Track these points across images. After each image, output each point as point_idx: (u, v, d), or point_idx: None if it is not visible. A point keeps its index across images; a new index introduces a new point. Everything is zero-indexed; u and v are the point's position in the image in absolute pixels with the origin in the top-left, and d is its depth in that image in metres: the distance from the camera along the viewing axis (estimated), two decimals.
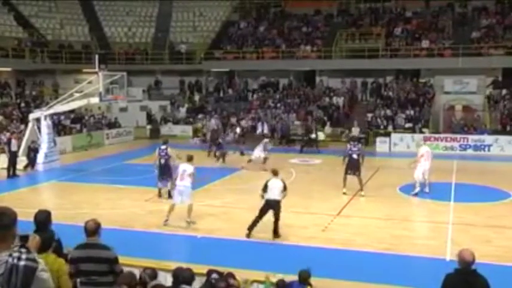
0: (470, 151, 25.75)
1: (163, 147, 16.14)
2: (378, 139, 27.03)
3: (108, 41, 37.68)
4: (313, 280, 7.28)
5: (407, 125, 28.74)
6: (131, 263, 7.90)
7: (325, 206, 15.05)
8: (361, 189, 16.53)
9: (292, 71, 34.83)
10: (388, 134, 27.48)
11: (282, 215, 11.98)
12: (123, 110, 33.10)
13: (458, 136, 26.56)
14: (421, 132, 27.40)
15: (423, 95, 30.89)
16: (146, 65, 36.11)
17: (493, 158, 24.69)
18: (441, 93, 31.06)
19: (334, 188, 17.37)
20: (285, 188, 11.98)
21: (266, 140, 21.88)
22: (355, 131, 26.44)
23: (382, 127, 28.84)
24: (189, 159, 13.40)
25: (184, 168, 13.05)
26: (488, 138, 25.98)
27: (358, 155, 16.68)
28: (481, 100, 30.12)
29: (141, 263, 8.21)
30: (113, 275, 5.97)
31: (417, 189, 16.36)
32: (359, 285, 9.33)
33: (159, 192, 16.09)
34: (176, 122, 33.45)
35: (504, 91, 29.95)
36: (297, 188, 17.73)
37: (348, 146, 17.35)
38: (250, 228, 12.00)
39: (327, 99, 32.25)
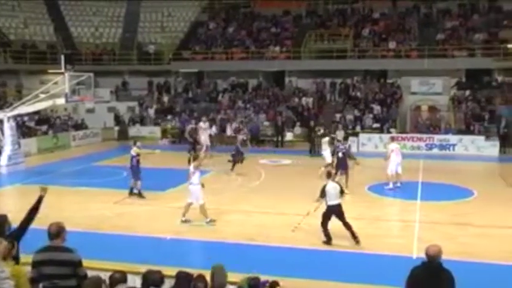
0: (435, 150, 26.26)
1: (135, 148, 16.29)
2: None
3: (74, 41, 37.10)
4: (284, 280, 7.31)
5: (375, 125, 29.12)
6: (99, 267, 7.80)
7: (295, 207, 15.12)
8: (346, 187, 16.67)
9: (261, 71, 34.90)
10: (356, 134, 27.78)
11: (252, 214, 12.00)
12: (90, 111, 32.63)
13: (424, 136, 27.06)
14: (388, 132, 27.80)
15: (390, 95, 31.36)
16: (114, 66, 35.66)
17: (457, 157, 25.23)
18: (408, 94, 31.58)
19: (304, 188, 17.48)
20: (341, 192, 11.78)
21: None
22: (340, 134, 25.53)
23: (350, 127, 29.14)
24: (194, 158, 13.62)
25: (189, 168, 13.43)
26: (452, 138, 26.55)
27: (344, 153, 17.40)
28: (446, 101, 30.74)
29: (110, 266, 8.11)
30: (76, 278, 5.86)
31: (390, 185, 16.93)
32: (330, 285, 9.41)
33: (131, 191, 16.02)
34: (144, 123, 33.11)
35: (467, 92, 30.64)
36: (267, 189, 17.84)
37: (336, 144, 18.28)
38: (328, 239, 11.68)
39: (296, 99, 32.43)
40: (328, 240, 11.67)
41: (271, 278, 7.28)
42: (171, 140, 30.48)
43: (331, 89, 33.32)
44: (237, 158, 20.39)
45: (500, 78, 31.19)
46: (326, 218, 11.68)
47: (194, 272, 6.41)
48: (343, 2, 36.94)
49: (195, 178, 13.20)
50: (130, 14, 39.13)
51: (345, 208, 14.92)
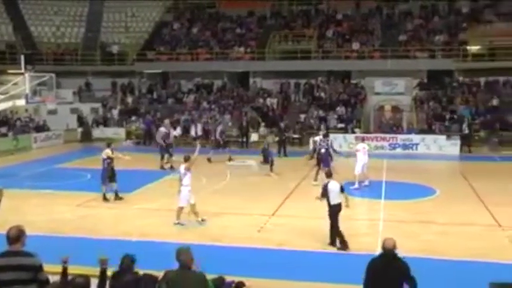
0: (399, 150, 26.70)
1: (108, 150, 15.97)
2: (311, 139, 27.42)
3: (34, 40, 36.35)
4: (249, 281, 7.29)
5: (340, 125, 29.42)
6: (59, 271, 7.61)
7: (260, 207, 15.13)
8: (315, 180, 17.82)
9: (226, 72, 34.86)
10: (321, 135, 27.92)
11: (217, 215, 11.95)
12: (52, 112, 31.93)
13: (387, 136, 27.47)
14: (353, 132, 28.12)
15: (354, 95, 31.74)
16: (76, 66, 35.09)
17: (420, 156, 25.69)
18: (372, 94, 32.03)
19: (269, 189, 17.55)
20: (342, 190, 11.50)
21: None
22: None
23: (315, 127, 29.34)
24: (185, 159, 13.30)
25: (179, 169, 13.21)
26: (415, 138, 27.04)
27: (326, 149, 18.07)
28: (408, 101, 31.31)
29: (73, 270, 7.92)
30: (37, 283, 5.70)
31: (356, 185, 17.15)
32: (296, 285, 9.43)
33: (104, 196, 15.78)
34: (108, 124, 32.61)
35: (429, 92, 31.28)
36: (232, 190, 17.80)
37: (318, 141, 18.79)
38: (342, 242, 11.23)
39: (261, 100, 32.48)
40: (343, 244, 11.21)
41: (237, 279, 7.27)
42: (136, 142, 30.15)
43: (295, 89, 33.54)
44: (270, 158, 20.70)
45: (460, 79, 31.98)
46: (335, 218, 11.36)
47: (159, 274, 6.33)
48: (307, 3, 37.22)
49: (186, 179, 13.06)
50: (93, 13, 38.56)
51: (311, 208, 15.11)
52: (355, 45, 32.94)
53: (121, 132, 31.59)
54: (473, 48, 31.40)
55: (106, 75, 35.97)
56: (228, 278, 7.13)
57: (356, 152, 18.14)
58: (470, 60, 30.86)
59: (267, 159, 21.18)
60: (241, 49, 34.17)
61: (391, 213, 14.35)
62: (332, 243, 11.44)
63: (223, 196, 16.66)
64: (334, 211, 11.36)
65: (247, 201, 15.97)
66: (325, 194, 11.43)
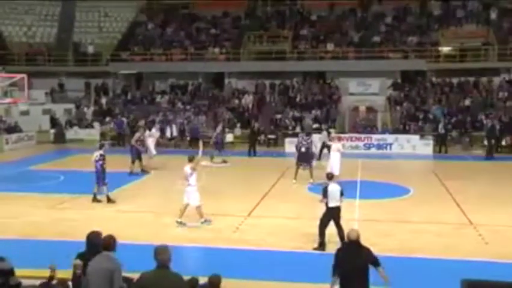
0: (373, 150, 26.94)
1: (100, 151, 15.82)
2: (287, 140, 27.54)
3: (5, 40, 35.66)
4: (224, 281, 7.26)
5: (315, 125, 29.54)
6: (34, 275, 7.50)
7: (236, 207, 15.11)
8: (311, 178, 18.23)
9: (201, 73, 34.73)
10: (296, 135, 28.01)
11: (193, 217, 11.88)
12: (24, 113, 31.37)
13: (362, 136, 27.70)
14: (328, 132, 28.21)
15: (329, 96, 31.94)
16: (49, 67, 34.55)
17: (394, 156, 25.98)
18: (346, 95, 32.26)
19: (244, 189, 17.54)
20: (341, 193, 11.37)
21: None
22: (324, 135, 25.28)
23: (290, 128, 29.44)
24: (190, 160, 13.31)
25: (185, 169, 13.15)
26: (389, 138, 27.32)
27: (308, 148, 18.40)
28: (382, 101, 31.63)
29: (46, 274, 7.81)
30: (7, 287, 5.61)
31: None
32: (271, 285, 9.44)
33: (94, 197, 15.56)
34: (82, 125, 32.17)
35: (403, 93, 31.66)
36: (208, 190, 17.71)
37: (299, 139, 19.06)
38: (321, 243, 11.22)
39: (236, 101, 32.45)
40: (321, 246, 11.24)
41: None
42: (111, 143, 29.71)
43: (270, 90, 33.58)
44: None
45: (433, 79, 32.45)
46: (326, 220, 11.32)
47: (134, 276, 6.27)
48: (282, 4, 37.30)
49: (193, 179, 13.12)
50: (66, 13, 38.01)
51: (286, 208, 15.17)
52: (330, 46, 33.17)
53: (95, 133, 31.18)
54: (445, 49, 31.93)
55: (79, 76, 35.53)
56: (203, 280, 7.09)
57: (335, 152, 18.03)
58: (442, 61, 31.38)
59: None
60: (216, 50, 34.10)
61: (366, 213, 14.46)
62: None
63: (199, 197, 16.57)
64: (331, 213, 11.27)
65: (223, 202, 15.91)
66: (325, 196, 11.34)
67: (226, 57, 33.69)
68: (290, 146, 27.12)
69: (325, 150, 21.92)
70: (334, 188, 11.38)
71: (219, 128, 24.44)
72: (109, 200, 15.50)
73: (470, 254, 11.00)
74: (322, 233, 11.31)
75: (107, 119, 31.93)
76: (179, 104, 32.60)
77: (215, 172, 21.35)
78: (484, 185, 19.20)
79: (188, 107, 32.26)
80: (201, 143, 14.87)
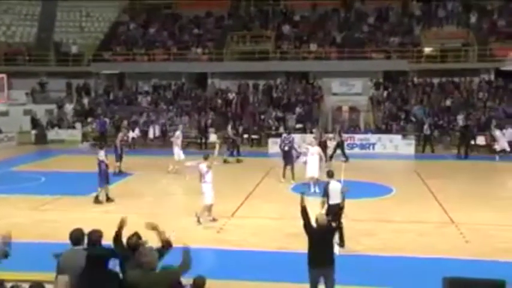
0: (356, 150, 27.03)
1: (103, 151, 16.02)
2: (270, 140, 27.56)
3: None
4: (209, 282, 7.25)
5: (298, 125, 29.61)
6: (15, 278, 7.42)
7: (219, 208, 15.04)
8: (293, 179, 18.38)
9: (184, 73, 34.60)
10: (279, 135, 28.06)
11: (176, 218, 11.84)
12: (4, 114, 31.00)
13: (345, 135, 27.74)
14: (311, 132, 28.31)
15: (312, 96, 32.03)
16: (29, 67, 34.16)
17: (377, 155, 26.14)
18: (329, 95, 32.39)
19: (228, 190, 17.48)
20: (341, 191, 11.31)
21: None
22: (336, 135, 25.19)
23: (273, 128, 29.46)
24: (205, 158, 13.79)
25: (200, 167, 13.63)
26: (372, 137, 27.49)
27: (290, 147, 18.81)
28: (365, 101, 31.81)
29: (27, 277, 7.73)
30: None
31: (312, 189, 17.10)
32: (255, 285, 9.46)
33: (97, 197, 15.55)
34: (63, 126, 31.82)
35: (385, 93, 31.89)
36: (191, 191, 17.65)
37: (282, 138, 19.59)
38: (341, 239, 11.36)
39: (219, 101, 32.40)
40: (341, 241, 11.31)
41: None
42: (93, 144, 29.41)
43: (253, 90, 33.58)
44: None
45: (415, 80, 32.73)
46: (335, 218, 10.87)
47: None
48: (266, 3, 37.32)
49: (208, 177, 13.51)
50: (46, 12, 37.58)
51: (269, 209, 15.19)
52: (313, 46, 33.28)
53: (77, 134, 30.89)
54: (427, 50, 32.23)
55: (61, 76, 35.14)
56: (188, 281, 7.08)
57: (314, 155, 17.36)
58: (423, 62, 31.67)
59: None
60: (199, 50, 34.02)
61: (348, 212, 14.48)
62: (341, 243, 11.35)
63: (182, 197, 16.56)
64: (333, 211, 11.17)
65: None
66: (326, 193, 11.39)
67: (209, 57, 33.63)
68: (273, 146, 27.21)
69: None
70: (335, 186, 11.44)
71: (229, 128, 24.49)
72: (108, 199, 15.73)
73: (451, 253, 11.13)
74: (339, 230, 11.16)
75: (89, 119, 31.63)
76: (162, 105, 32.42)
77: (197, 172, 21.23)
78: (465, 183, 19.45)
79: (171, 107, 32.13)
80: (217, 144, 15.41)
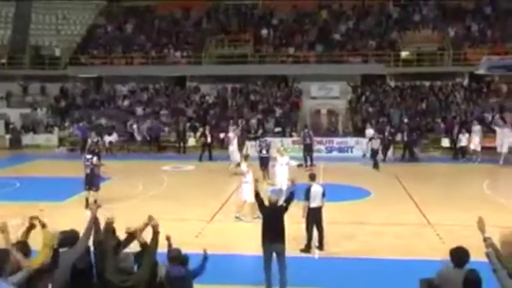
0: (335, 153, 27.14)
1: (88, 156, 15.79)
2: (249, 143, 27.45)
3: None
4: None
5: (277, 129, 29.62)
6: None
7: (198, 212, 15.02)
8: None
9: (162, 76, 34.40)
10: (257, 138, 28.02)
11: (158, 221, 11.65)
12: None
13: (324, 139, 27.88)
14: (290, 136, 28.40)
15: (290, 99, 32.08)
16: (3, 70, 33.60)
17: (355, 159, 26.24)
18: (308, 98, 32.49)
19: (206, 194, 17.45)
20: (323, 194, 11.45)
21: None
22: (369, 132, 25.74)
23: (252, 132, 29.40)
24: (245, 158, 15.14)
25: (242, 167, 14.61)
26: (350, 141, 27.63)
27: (267, 151, 19.32)
28: (343, 104, 31.99)
29: None
30: None
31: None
32: None
33: (87, 201, 15.22)
34: (38, 131, 31.30)
35: (363, 96, 32.09)
36: (170, 195, 17.57)
37: (258, 143, 20.06)
38: (308, 246, 11.50)
39: (197, 97, 32.26)
40: (307, 248, 11.48)
41: None
42: (70, 149, 28.95)
43: (232, 93, 33.52)
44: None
45: (392, 83, 33.03)
46: (312, 221, 11.41)
47: None
48: (244, 4, 37.28)
49: (249, 177, 13.89)
50: (20, 15, 36.97)
51: (249, 212, 15.12)
52: (291, 50, 33.37)
53: (53, 138, 30.37)
54: (403, 54, 32.57)
55: (36, 80, 34.63)
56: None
57: (283, 166, 16.48)
58: (400, 65, 31.99)
59: None
60: (178, 53, 33.86)
61: (327, 215, 14.47)
62: (320, 246, 11.61)
63: (160, 202, 16.40)
64: (313, 214, 11.34)
65: (185, 207, 15.82)
66: (308, 197, 11.37)
67: (188, 60, 33.51)
68: (252, 149, 27.15)
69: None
70: (316, 189, 11.48)
71: (238, 131, 24.36)
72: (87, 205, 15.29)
73: (428, 254, 11.19)
74: (309, 236, 11.47)
75: (66, 123, 31.19)
76: (139, 109, 32.00)
77: (177, 177, 21.17)
78: (442, 185, 19.69)
79: (148, 109, 31.74)
80: (246, 146, 16.06)
